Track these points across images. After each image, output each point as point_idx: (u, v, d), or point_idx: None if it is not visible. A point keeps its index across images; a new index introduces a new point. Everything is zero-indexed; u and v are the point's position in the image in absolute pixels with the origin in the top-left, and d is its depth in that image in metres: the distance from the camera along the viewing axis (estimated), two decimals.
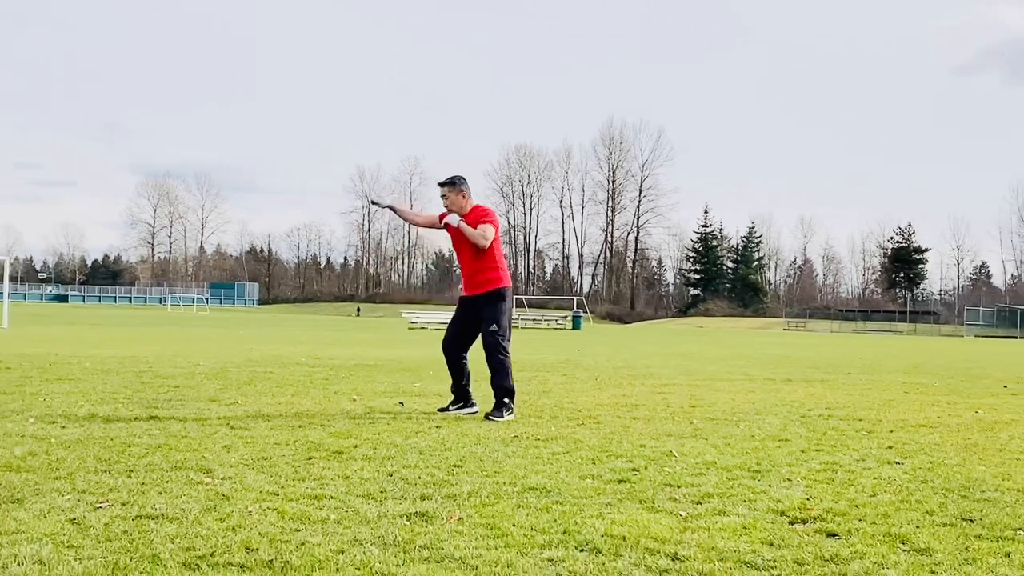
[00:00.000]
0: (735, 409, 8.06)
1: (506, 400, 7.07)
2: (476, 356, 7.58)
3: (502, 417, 6.92)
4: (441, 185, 7.25)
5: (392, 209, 7.61)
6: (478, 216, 7.17)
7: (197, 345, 17.96)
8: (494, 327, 7.10)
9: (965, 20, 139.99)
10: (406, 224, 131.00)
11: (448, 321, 7.26)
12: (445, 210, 7.28)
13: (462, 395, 7.32)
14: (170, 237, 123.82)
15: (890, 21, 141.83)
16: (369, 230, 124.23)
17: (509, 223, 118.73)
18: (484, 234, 7.05)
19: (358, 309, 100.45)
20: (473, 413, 7.23)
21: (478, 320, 7.18)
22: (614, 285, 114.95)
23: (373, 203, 7.87)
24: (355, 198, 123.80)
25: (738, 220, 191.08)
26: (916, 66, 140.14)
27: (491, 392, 7.22)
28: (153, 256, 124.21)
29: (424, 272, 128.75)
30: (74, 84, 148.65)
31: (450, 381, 7.44)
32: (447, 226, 7.26)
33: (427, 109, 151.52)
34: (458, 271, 7.46)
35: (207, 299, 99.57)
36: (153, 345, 17.50)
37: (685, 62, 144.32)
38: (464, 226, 7.10)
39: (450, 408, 7.30)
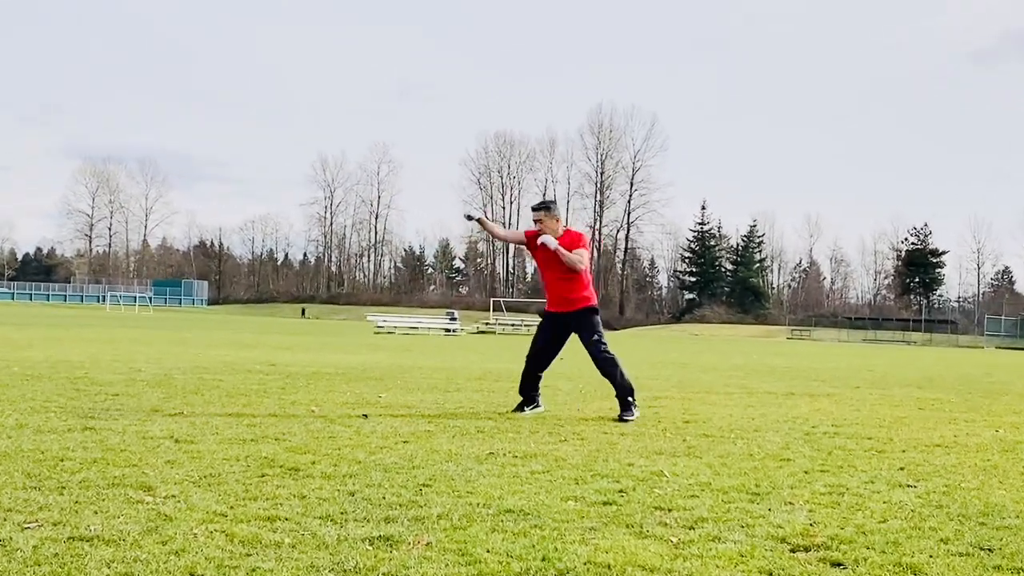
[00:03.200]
0: (732, 425, 8.11)
1: (630, 399, 8.29)
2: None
3: (632, 415, 8.17)
4: (535, 210, 8.40)
5: (480, 222, 8.74)
6: (572, 240, 8.30)
7: (139, 348, 17.84)
8: (596, 337, 8.39)
9: (985, 3, 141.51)
10: (372, 216, 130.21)
11: (535, 336, 8.70)
12: (533, 228, 8.39)
13: (532, 398, 8.59)
14: (110, 229, 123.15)
15: (905, 4, 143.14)
16: (331, 224, 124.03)
17: (487, 216, 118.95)
18: (581, 259, 8.18)
19: (303, 310, 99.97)
20: (540, 412, 8.50)
21: (564, 335, 8.53)
22: (601, 287, 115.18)
23: (467, 216, 8.95)
24: (316, 188, 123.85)
25: (738, 218, 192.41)
26: (933, 52, 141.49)
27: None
28: (91, 250, 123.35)
29: (392, 271, 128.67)
30: (6, 61, 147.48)
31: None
32: (541, 246, 8.29)
33: (397, 92, 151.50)
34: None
35: (150, 298, 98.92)
36: (90, 348, 17.37)
37: (681, 45, 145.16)
38: (562, 250, 8.19)
39: (525, 409, 8.46)
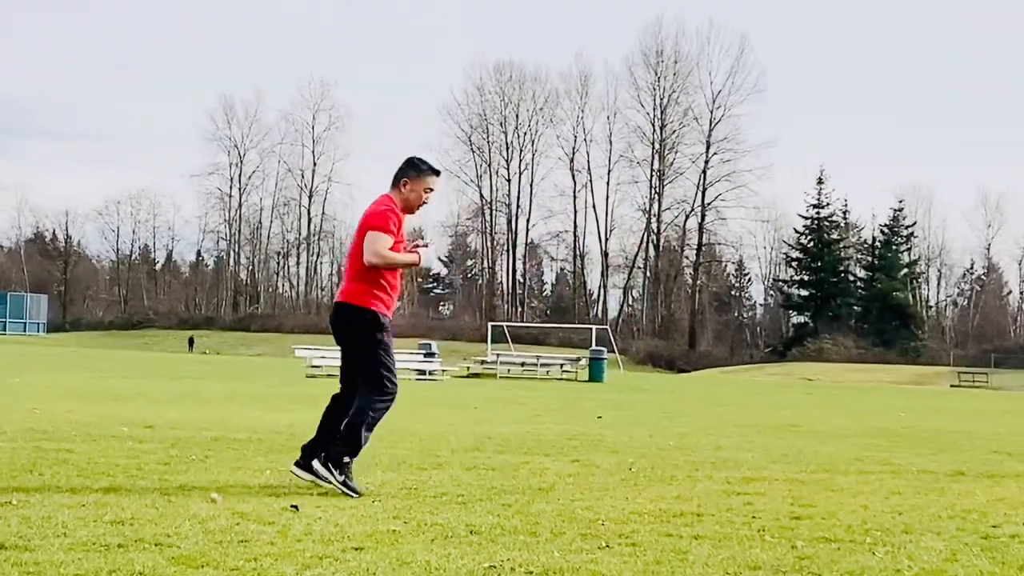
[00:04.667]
0: (868, 523, 8.09)
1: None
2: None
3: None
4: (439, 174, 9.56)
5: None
6: None
7: None
8: None
9: None
10: (303, 195, 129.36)
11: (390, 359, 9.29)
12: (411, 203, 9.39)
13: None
14: None
15: None
16: (240, 207, 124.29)
17: (482, 197, 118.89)
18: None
19: (191, 340, 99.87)
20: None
21: None
22: (661, 307, 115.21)
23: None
24: (216, 150, 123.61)
25: (875, 196, 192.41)
26: None
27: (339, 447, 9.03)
28: None
29: (334, 280, 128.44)
30: None
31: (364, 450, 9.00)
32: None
33: (343, 3, 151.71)
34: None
35: None
36: None
37: None
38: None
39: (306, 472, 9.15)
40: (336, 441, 8.80)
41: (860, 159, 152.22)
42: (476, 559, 6.25)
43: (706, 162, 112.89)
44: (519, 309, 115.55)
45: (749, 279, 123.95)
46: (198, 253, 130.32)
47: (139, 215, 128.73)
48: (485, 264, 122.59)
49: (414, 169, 9.26)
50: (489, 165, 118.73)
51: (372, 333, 9.01)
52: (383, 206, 9.13)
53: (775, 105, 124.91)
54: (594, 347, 53.90)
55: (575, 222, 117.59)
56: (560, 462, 11.75)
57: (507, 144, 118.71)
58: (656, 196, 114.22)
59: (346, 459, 8.72)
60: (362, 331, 9.03)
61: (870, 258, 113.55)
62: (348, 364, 9.24)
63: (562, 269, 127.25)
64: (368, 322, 9.00)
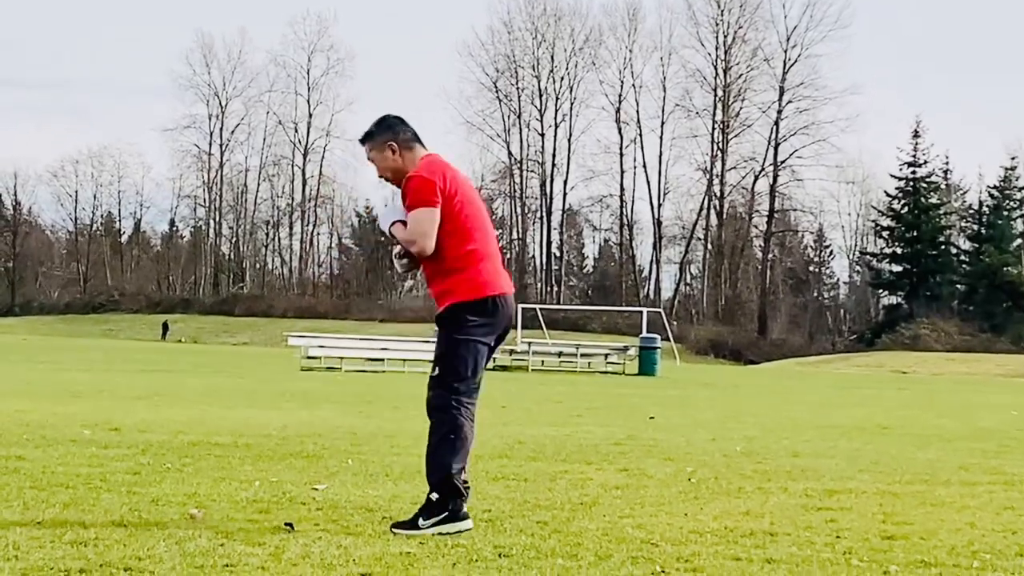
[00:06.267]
0: (975, 544, 8.05)
1: (433, 496, 7.93)
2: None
3: (425, 527, 7.79)
4: (361, 143, 8.64)
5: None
6: (405, 188, 8.39)
7: None
8: (436, 370, 8.32)
9: None
10: (297, 153, 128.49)
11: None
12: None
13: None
14: None
15: None
16: (222, 168, 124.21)
17: (510, 154, 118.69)
18: (416, 230, 8.22)
19: (165, 325, 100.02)
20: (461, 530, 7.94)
21: None
22: (725, 286, 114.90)
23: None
24: (192, 100, 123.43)
25: (981, 152, 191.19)
26: None
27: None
28: None
29: (334, 255, 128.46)
30: None
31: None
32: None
33: None
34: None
35: None
36: None
37: None
38: (396, 232, 8.38)
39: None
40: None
41: (964, 108, 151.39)
42: None
43: (779, 112, 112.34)
44: (555, 289, 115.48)
45: (831, 252, 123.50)
46: (171, 222, 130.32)
47: (101, 177, 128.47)
48: (514, 235, 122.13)
49: None
50: (519, 116, 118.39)
51: None
52: None
53: (862, 43, 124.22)
54: (645, 334, 53.81)
55: (622, 184, 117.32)
56: (605, 471, 11.74)
57: (540, 91, 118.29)
58: (719, 153, 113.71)
59: None
60: None
61: (976, 227, 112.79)
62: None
63: (606, 241, 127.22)
64: None
